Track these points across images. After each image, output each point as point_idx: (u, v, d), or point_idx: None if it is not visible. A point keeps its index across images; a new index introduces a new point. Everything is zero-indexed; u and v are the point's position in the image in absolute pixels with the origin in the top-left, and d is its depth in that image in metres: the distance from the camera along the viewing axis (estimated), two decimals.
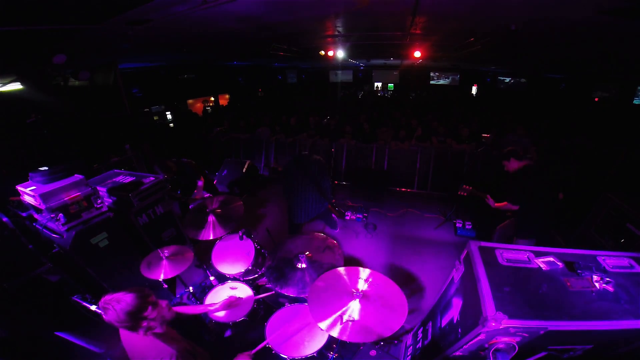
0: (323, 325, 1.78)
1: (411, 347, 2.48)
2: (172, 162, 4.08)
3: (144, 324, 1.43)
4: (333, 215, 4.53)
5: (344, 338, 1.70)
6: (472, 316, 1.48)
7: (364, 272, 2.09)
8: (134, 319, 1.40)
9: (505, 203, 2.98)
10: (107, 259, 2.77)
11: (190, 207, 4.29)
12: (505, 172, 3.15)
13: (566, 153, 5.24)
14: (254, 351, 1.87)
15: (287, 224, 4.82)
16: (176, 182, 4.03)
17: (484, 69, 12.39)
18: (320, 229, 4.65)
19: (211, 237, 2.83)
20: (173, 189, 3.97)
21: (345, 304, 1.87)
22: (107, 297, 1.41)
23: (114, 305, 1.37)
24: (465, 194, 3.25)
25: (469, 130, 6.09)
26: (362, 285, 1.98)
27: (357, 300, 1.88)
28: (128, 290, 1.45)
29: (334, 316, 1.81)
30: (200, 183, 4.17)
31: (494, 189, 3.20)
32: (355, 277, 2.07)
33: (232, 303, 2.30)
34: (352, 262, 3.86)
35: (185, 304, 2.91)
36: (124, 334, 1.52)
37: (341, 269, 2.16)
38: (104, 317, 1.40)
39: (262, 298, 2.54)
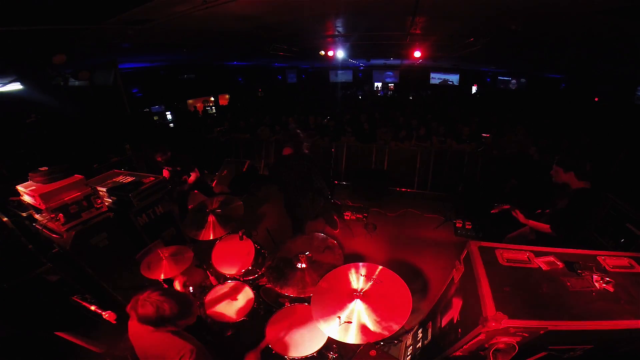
0: (324, 326, 1.78)
1: (411, 347, 2.48)
2: (168, 149, 3.99)
3: (170, 327, 1.44)
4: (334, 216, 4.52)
5: (346, 339, 1.70)
6: (472, 316, 1.48)
7: (370, 268, 2.09)
8: (168, 322, 1.41)
9: (545, 226, 2.51)
10: (107, 259, 2.76)
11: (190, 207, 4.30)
12: (525, 180, 2.82)
13: (567, 153, 5.24)
14: (259, 348, 1.87)
15: (288, 223, 4.83)
16: (172, 166, 3.97)
17: (484, 69, 12.41)
18: (320, 229, 4.65)
19: (211, 237, 2.83)
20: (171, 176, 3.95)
21: (347, 303, 1.87)
22: (153, 295, 1.40)
23: (159, 305, 1.37)
24: (497, 210, 2.89)
25: (469, 130, 6.09)
26: (364, 284, 1.98)
27: (359, 299, 1.87)
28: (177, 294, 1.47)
29: (336, 317, 1.81)
30: (191, 177, 4.12)
31: (498, 191, 3.06)
32: (358, 274, 2.06)
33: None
34: (352, 262, 3.86)
35: None
36: (137, 329, 1.51)
37: (345, 267, 2.15)
38: (139, 309, 1.39)
39: (261, 299, 2.54)
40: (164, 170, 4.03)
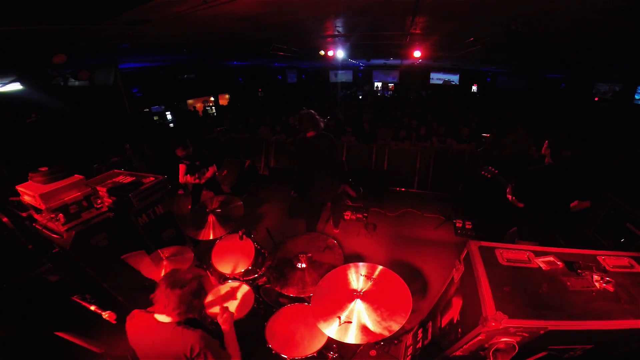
0: (324, 326, 1.78)
1: (411, 347, 2.48)
2: (190, 144, 4.07)
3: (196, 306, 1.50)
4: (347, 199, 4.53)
5: (346, 339, 1.70)
6: (472, 316, 1.47)
7: (370, 268, 2.08)
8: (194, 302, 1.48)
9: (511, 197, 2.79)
10: (107, 259, 2.77)
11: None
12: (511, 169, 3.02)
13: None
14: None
15: (288, 223, 4.84)
16: (191, 161, 4.06)
17: (484, 69, 12.41)
18: (320, 229, 4.64)
19: (211, 237, 2.83)
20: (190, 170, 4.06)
21: (347, 303, 1.87)
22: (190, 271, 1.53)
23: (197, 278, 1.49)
24: (488, 175, 3.00)
25: (469, 130, 6.09)
26: (364, 284, 1.98)
27: (359, 299, 1.87)
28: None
29: (336, 317, 1.81)
30: (210, 170, 4.16)
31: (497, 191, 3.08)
32: (358, 274, 2.06)
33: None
34: (352, 262, 3.86)
35: None
36: (140, 327, 1.50)
37: (345, 267, 2.15)
38: (186, 276, 1.48)
39: (262, 299, 2.53)
40: (180, 165, 4.10)
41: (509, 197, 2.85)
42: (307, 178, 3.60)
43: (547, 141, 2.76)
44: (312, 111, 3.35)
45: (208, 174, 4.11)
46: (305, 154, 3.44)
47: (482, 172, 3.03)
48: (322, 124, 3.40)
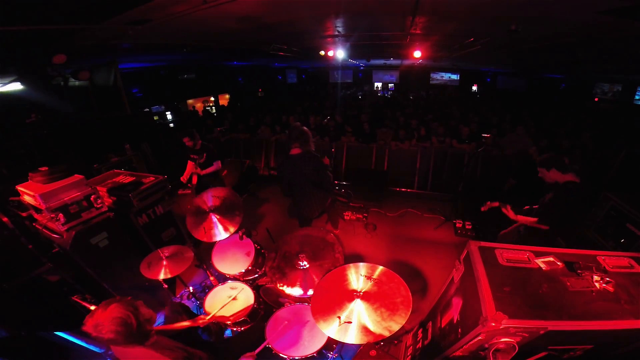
0: (324, 326, 1.78)
1: (411, 347, 2.48)
2: (199, 137, 4.15)
3: (143, 338, 1.38)
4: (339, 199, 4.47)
5: (346, 339, 1.70)
6: (472, 316, 1.48)
7: (370, 268, 2.08)
8: (139, 333, 1.34)
9: (533, 220, 2.58)
10: (107, 259, 2.77)
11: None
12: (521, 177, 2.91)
13: (567, 153, 5.24)
14: (256, 351, 1.86)
15: (288, 223, 4.84)
16: (198, 155, 4.13)
17: (484, 69, 12.41)
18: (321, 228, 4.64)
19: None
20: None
21: (347, 303, 1.87)
22: (106, 316, 1.28)
23: (121, 320, 1.27)
24: (486, 208, 2.93)
25: (469, 129, 6.08)
26: (364, 284, 1.98)
27: (359, 299, 1.87)
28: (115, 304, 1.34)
29: (336, 317, 1.81)
30: (215, 165, 4.18)
31: (497, 191, 3.04)
32: (358, 274, 2.06)
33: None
34: (352, 262, 3.85)
35: (184, 305, 2.91)
36: (119, 350, 1.46)
37: (345, 267, 2.15)
38: (103, 337, 1.26)
39: (262, 299, 2.53)
40: (189, 161, 4.18)
41: (516, 217, 2.74)
42: (293, 193, 3.47)
43: (541, 169, 2.60)
44: (306, 128, 3.24)
45: (211, 168, 4.14)
46: (290, 171, 3.29)
47: (482, 209, 2.96)
48: (312, 145, 3.25)
